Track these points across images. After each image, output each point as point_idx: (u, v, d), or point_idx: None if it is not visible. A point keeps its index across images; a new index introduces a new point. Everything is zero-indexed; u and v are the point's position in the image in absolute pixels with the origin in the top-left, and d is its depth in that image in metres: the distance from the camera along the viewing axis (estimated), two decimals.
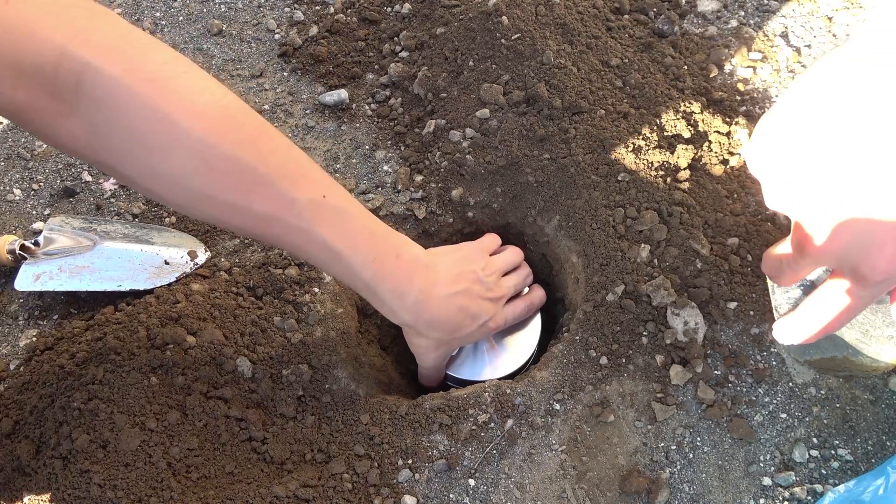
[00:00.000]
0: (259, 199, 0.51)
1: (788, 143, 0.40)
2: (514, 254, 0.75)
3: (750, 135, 0.76)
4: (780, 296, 0.59)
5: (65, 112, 0.46)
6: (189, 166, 0.48)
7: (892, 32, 0.37)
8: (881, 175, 0.37)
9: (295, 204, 0.52)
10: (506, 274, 0.72)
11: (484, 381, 0.68)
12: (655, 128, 0.75)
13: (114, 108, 0.46)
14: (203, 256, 0.73)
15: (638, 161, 0.73)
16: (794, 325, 0.49)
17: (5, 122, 0.87)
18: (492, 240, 0.75)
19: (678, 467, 0.61)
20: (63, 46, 0.44)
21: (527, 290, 0.76)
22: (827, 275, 0.54)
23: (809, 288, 0.57)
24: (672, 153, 0.74)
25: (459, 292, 0.63)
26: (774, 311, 0.59)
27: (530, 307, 0.73)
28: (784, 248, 0.47)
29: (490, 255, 0.72)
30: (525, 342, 0.73)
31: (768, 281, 0.59)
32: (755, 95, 0.80)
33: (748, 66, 0.82)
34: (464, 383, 0.72)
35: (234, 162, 0.49)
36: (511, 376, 0.71)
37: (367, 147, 0.82)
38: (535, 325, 0.75)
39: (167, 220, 0.78)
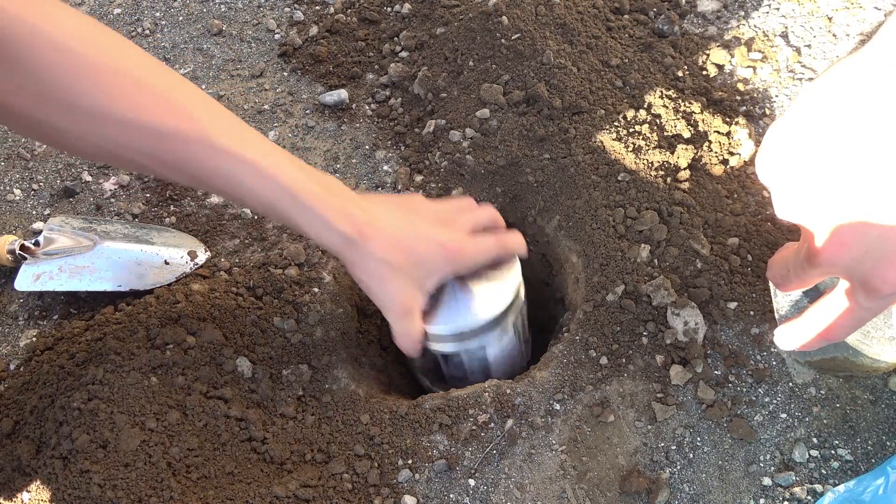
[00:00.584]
0: (154, 112, 0.49)
1: (800, 151, 0.39)
2: (487, 212, 0.66)
3: (750, 135, 0.76)
4: (781, 298, 0.59)
5: None
6: (78, 84, 0.47)
7: None
8: None
9: (193, 115, 0.49)
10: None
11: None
12: (655, 128, 0.75)
13: None
14: (203, 256, 0.73)
15: (638, 161, 0.73)
16: (796, 332, 0.48)
17: None
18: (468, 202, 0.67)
19: (678, 467, 0.61)
20: None
21: None
22: (832, 282, 0.54)
23: (812, 291, 0.57)
24: (672, 153, 0.74)
25: (407, 215, 0.58)
26: (776, 313, 0.59)
27: (501, 245, 0.63)
28: (790, 255, 0.47)
29: None
30: (505, 285, 0.64)
31: (770, 282, 0.59)
32: (755, 95, 0.80)
33: (748, 66, 0.82)
34: (442, 339, 0.64)
35: (124, 76, 0.48)
36: (494, 325, 0.65)
37: (367, 147, 0.82)
38: (515, 269, 0.66)
39: (167, 220, 0.78)
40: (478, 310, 0.63)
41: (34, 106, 0.47)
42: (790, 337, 0.49)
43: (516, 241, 0.65)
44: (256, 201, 0.53)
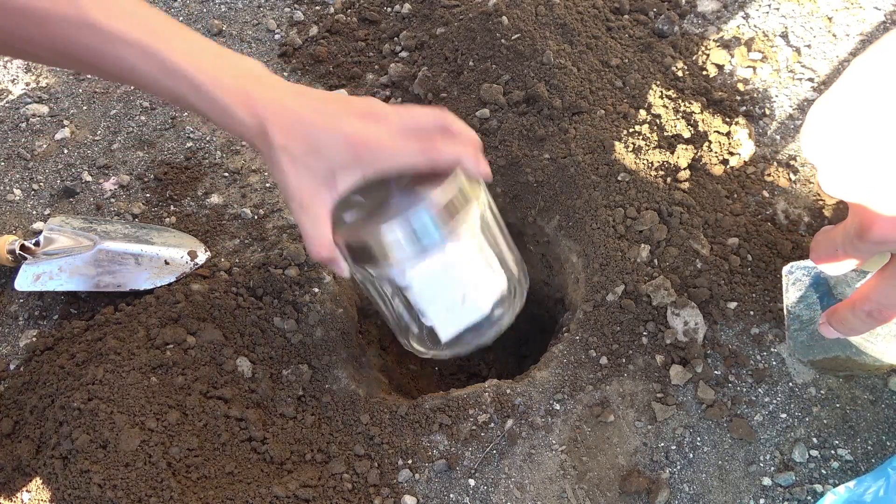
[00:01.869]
0: None
1: (849, 125, 0.39)
2: (432, 112, 0.52)
3: (750, 135, 0.76)
4: (792, 293, 0.58)
5: None
6: None
7: None
8: None
9: None
10: None
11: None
12: (655, 128, 0.75)
13: None
14: (203, 256, 0.73)
15: (638, 161, 0.73)
16: (848, 317, 0.46)
17: (6, 122, 0.87)
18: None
19: (678, 467, 0.61)
20: None
21: None
22: (859, 275, 0.54)
23: (822, 287, 0.57)
24: (672, 153, 0.74)
25: (323, 103, 0.49)
26: (784, 309, 0.59)
27: (429, 151, 0.48)
28: (839, 232, 0.45)
29: None
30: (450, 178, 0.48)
31: (783, 279, 0.59)
32: (755, 95, 0.80)
33: (748, 66, 0.82)
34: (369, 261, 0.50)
35: None
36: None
37: None
38: (459, 180, 0.48)
39: (167, 220, 0.78)
40: (430, 195, 0.47)
41: None
42: (840, 322, 0.47)
43: (454, 150, 0.49)
44: (154, 87, 0.47)
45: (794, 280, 0.58)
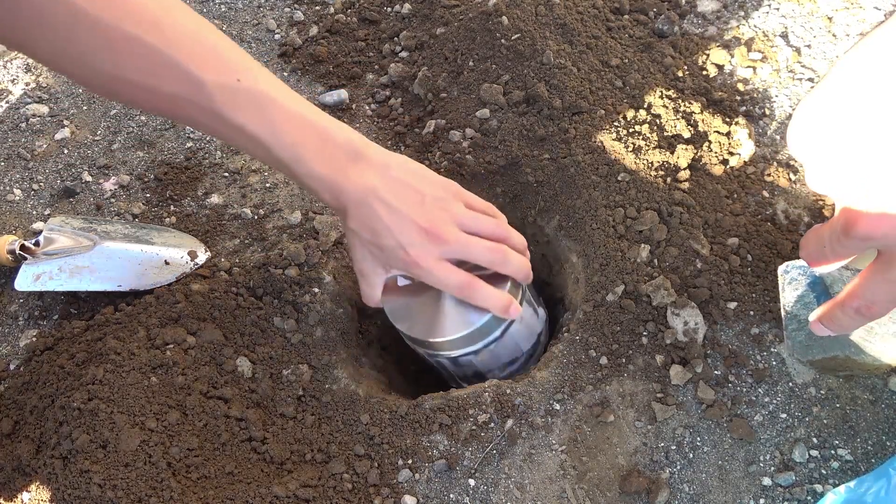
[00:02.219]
0: (166, 80, 0.50)
1: (835, 121, 0.39)
2: (492, 222, 0.63)
3: (750, 135, 0.76)
4: (788, 293, 0.58)
5: None
6: (92, 45, 0.48)
7: None
8: None
9: (204, 87, 0.51)
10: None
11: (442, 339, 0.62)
12: (655, 128, 0.75)
13: None
14: (203, 256, 0.73)
15: (638, 161, 0.73)
16: (835, 314, 0.47)
17: (6, 122, 0.87)
18: (473, 197, 0.64)
19: (678, 467, 0.61)
20: None
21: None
22: (849, 273, 0.54)
23: (818, 286, 0.57)
24: (672, 153, 0.74)
25: (387, 187, 0.57)
26: (782, 309, 0.59)
27: (473, 290, 0.60)
28: (825, 231, 0.44)
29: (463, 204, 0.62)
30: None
31: (779, 279, 0.59)
32: (755, 95, 0.80)
33: (748, 66, 0.82)
34: (417, 342, 0.64)
35: (136, 42, 0.49)
36: (474, 353, 0.64)
37: None
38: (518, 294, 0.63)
39: (167, 220, 0.78)
40: (448, 325, 0.62)
41: (51, 60, 0.51)
42: (830, 320, 0.47)
43: (485, 302, 0.61)
44: (266, 163, 0.59)
45: (790, 280, 0.58)
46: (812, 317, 0.49)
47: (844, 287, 0.46)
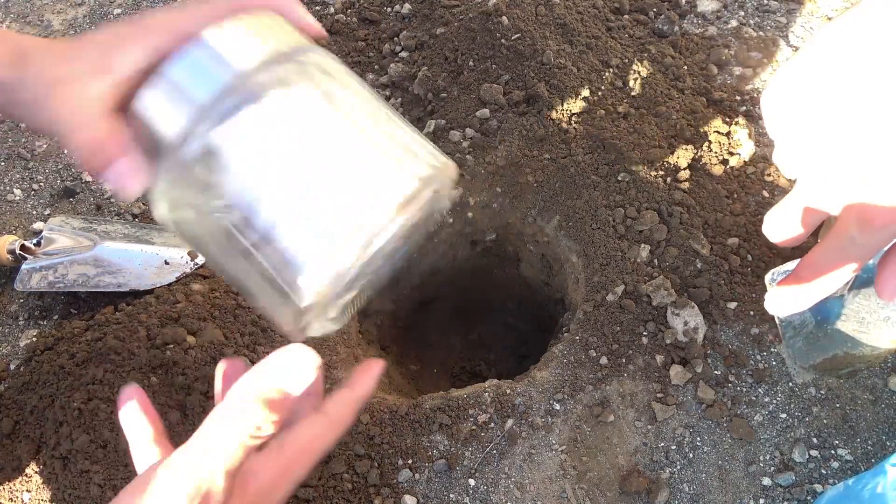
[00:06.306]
0: None
1: (819, 91, 0.34)
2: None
3: (750, 135, 0.76)
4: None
5: None
6: None
7: None
8: None
9: None
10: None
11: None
12: (655, 128, 0.75)
13: None
14: (203, 256, 0.73)
15: (638, 161, 0.73)
16: (792, 290, 0.43)
17: (6, 122, 0.87)
18: None
19: (678, 467, 0.61)
20: None
21: None
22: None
23: None
24: (672, 153, 0.74)
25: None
26: (776, 318, 0.59)
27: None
28: (831, 243, 0.41)
29: None
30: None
31: (767, 287, 0.59)
32: (755, 95, 0.80)
33: (748, 66, 0.82)
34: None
35: None
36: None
37: None
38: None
39: None
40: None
41: None
42: (786, 297, 0.43)
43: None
44: None
45: None
46: (766, 299, 0.46)
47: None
